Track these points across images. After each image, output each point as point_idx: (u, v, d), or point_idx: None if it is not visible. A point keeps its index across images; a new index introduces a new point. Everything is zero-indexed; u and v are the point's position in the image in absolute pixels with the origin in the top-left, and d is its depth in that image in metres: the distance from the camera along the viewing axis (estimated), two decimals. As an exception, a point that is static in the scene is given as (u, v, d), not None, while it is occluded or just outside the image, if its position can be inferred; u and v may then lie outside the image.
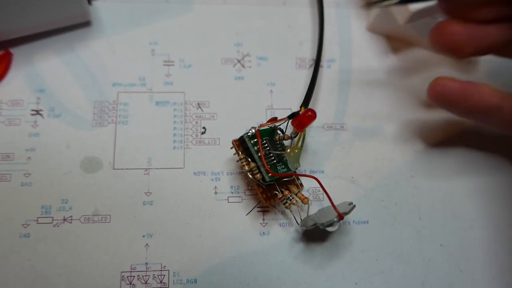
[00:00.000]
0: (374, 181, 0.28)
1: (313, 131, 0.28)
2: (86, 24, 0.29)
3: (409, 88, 0.30)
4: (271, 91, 0.29)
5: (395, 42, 0.31)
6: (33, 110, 0.27)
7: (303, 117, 0.24)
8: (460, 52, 0.23)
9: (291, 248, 0.26)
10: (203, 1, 0.31)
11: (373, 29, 0.31)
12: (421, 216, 0.27)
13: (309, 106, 0.26)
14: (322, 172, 0.28)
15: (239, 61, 0.30)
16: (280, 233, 0.26)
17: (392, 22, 0.29)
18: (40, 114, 0.27)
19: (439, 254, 0.27)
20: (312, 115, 0.24)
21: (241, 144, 0.25)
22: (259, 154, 0.24)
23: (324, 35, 0.29)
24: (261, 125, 0.25)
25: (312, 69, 0.30)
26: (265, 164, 0.24)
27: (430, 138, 0.29)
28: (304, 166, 0.27)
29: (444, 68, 0.31)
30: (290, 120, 0.25)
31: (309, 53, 0.30)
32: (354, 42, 0.31)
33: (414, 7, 0.27)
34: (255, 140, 0.25)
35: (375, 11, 0.30)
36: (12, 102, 0.27)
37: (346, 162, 0.28)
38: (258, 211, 0.26)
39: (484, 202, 0.28)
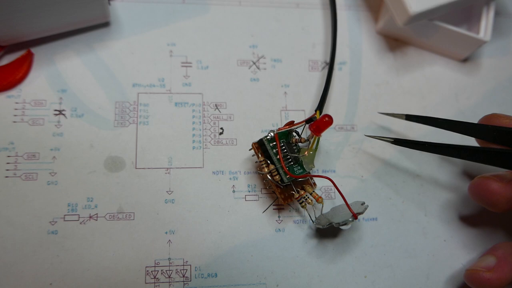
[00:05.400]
0: (382, 180, 0.29)
1: (325, 132, 0.29)
2: (105, 24, 0.30)
3: (416, 90, 0.32)
4: (285, 92, 0.30)
5: (404, 45, 0.33)
6: (56, 110, 0.28)
7: (320, 123, 0.25)
8: (497, 208, 0.25)
9: (305, 244, 0.27)
10: (219, 2, 0.32)
11: (383, 32, 0.32)
12: (426, 213, 0.29)
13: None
14: (334, 171, 0.29)
15: (254, 63, 0.31)
16: (295, 229, 0.28)
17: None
18: (63, 114, 0.28)
19: (443, 249, 0.28)
20: (329, 121, 0.25)
21: (260, 146, 0.26)
22: (278, 157, 0.26)
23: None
24: (279, 129, 0.26)
25: (324, 71, 0.31)
26: (284, 166, 0.25)
27: (437, 138, 0.31)
28: (317, 166, 0.29)
29: (452, 71, 0.32)
30: (307, 124, 0.26)
31: (321, 56, 0.32)
32: (365, 45, 0.32)
33: (414, 10, 0.28)
34: (274, 143, 0.26)
35: (384, 15, 0.31)
36: (35, 102, 0.28)
37: (356, 161, 0.30)
38: (274, 209, 0.28)
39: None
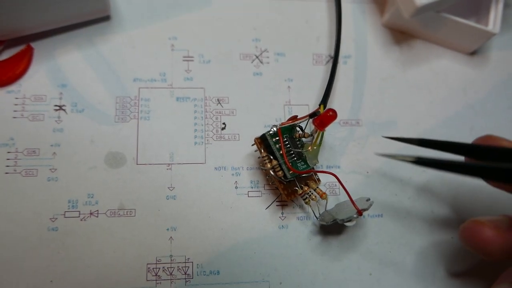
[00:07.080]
0: (388, 176, 0.29)
1: (329, 127, 0.29)
2: (106, 18, 0.29)
3: (422, 84, 0.31)
4: (288, 87, 0.30)
5: (411, 38, 0.32)
6: (56, 106, 0.27)
7: (324, 117, 0.25)
8: (489, 257, 0.22)
9: (309, 241, 0.27)
10: (220, -5, 0.31)
11: (388, 25, 0.32)
12: (433, 210, 0.28)
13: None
14: (338, 167, 0.29)
15: (257, 57, 0.30)
16: (298, 226, 0.27)
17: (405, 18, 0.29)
18: (63, 110, 0.27)
19: (450, 246, 0.28)
20: (333, 115, 0.25)
21: (262, 141, 0.26)
22: (281, 152, 0.25)
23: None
24: (282, 123, 0.26)
25: (328, 65, 0.30)
26: (287, 162, 0.25)
27: (443, 133, 0.30)
28: (321, 161, 0.28)
29: (459, 65, 0.32)
30: (311, 119, 0.26)
31: (326, 49, 0.31)
32: (370, 38, 0.32)
33: (421, 1, 0.27)
34: (277, 138, 0.25)
35: (390, 7, 0.31)
36: (35, 97, 0.27)
37: (361, 157, 0.29)
38: (277, 205, 0.27)
39: (497, 195, 0.29)
